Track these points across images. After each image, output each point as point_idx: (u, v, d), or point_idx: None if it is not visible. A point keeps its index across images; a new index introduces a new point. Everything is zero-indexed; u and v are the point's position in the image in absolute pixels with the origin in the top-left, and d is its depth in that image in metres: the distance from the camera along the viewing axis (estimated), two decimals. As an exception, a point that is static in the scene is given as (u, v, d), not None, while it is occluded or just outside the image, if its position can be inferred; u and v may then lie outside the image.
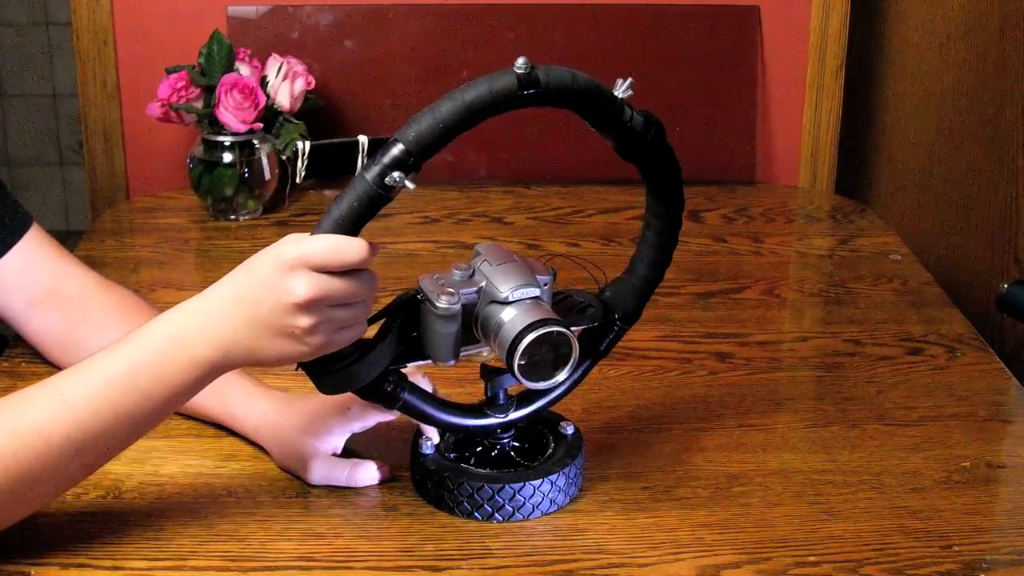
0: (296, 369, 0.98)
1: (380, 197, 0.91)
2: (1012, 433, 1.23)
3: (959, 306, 1.51)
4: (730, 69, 1.96)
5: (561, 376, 1.00)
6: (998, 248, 1.82)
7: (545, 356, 0.99)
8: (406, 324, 1.01)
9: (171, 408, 0.96)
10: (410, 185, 0.91)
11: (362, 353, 0.98)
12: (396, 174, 0.90)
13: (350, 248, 0.91)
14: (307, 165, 1.25)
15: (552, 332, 0.97)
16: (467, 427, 1.07)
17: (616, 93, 0.97)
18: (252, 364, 0.95)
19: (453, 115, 0.91)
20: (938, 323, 1.46)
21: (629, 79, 0.97)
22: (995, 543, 1.04)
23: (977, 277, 1.87)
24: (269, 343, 0.92)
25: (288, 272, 0.91)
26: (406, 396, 1.04)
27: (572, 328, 1.04)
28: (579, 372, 1.10)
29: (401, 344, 1.01)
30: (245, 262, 0.94)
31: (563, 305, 1.08)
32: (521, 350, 0.97)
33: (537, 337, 0.97)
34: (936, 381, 1.32)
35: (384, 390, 1.02)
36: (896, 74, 2.06)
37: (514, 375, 0.98)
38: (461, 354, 1.02)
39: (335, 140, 1.07)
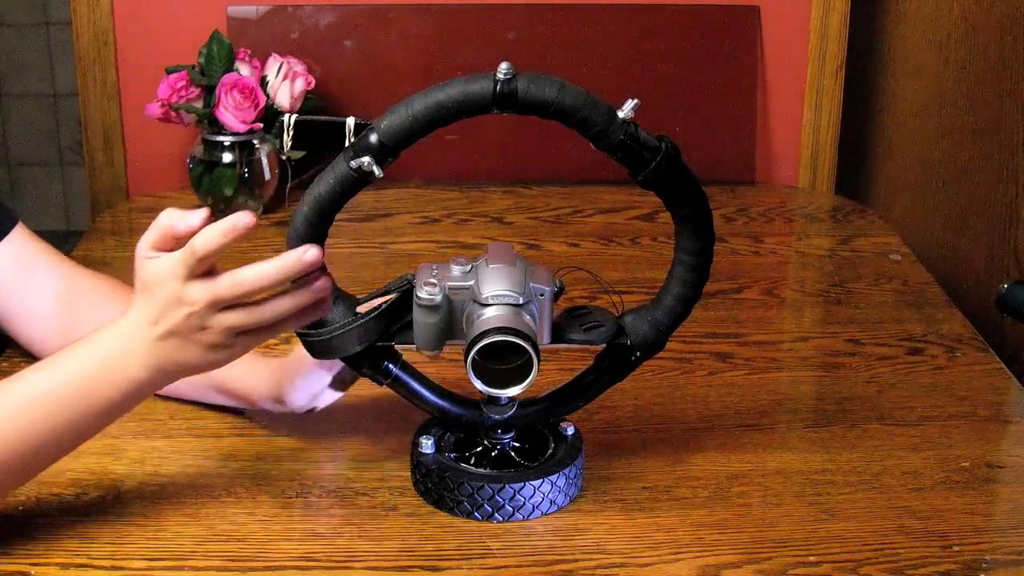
0: None
1: (356, 180, 0.95)
2: (1012, 433, 1.23)
3: (959, 306, 1.52)
4: (730, 69, 1.96)
5: (514, 390, 0.98)
6: (998, 248, 1.82)
7: (505, 365, 0.97)
8: (401, 304, 1.03)
9: (109, 420, 0.98)
10: (378, 173, 0.94)
11: (346, 325, 1.01)
12: (366, 160, 0.94)
13: (246, 283, 0.92)
14: (293, 138, 1.27)
15: (508, 342, 0.96)
16: (457, 415, 1.07)
17: (619, 113, 0.95)
18: (191, 374, 0.97)
19: (423, 112, 0.94)
20: (938, 323, 1.46)
21: (635, 100, 0.96)
22: (995, 543, 1.04)
23: (977, 277, 1.87)
24: (194, 354, 0.94)
25: (185, 283, 0.92)
26: (398, 372, 1.06)
27: (577, 344, 1.04)
28: (592, 392, 1.10)
29: (394, 322, 1.03)
30: (142, 284, 0.95)
31: (576, 320, 1.07)
32: (475, 351, 0.96)
33: (492, 344, 0.96)
34: (936, 381, 1.32)
35: (374, 363, 1.05)
36: (896, 74, 2.06)
37: (467, 373, 0.98)
38: (446, 346, 1.03)
39: (322, 118, 1.07)
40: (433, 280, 1.00)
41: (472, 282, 1.01)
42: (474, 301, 1.00)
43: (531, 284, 1.01)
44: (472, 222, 1.78)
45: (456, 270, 1.01)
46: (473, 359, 0.96)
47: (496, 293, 0.99)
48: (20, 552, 0.98)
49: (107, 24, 1.88)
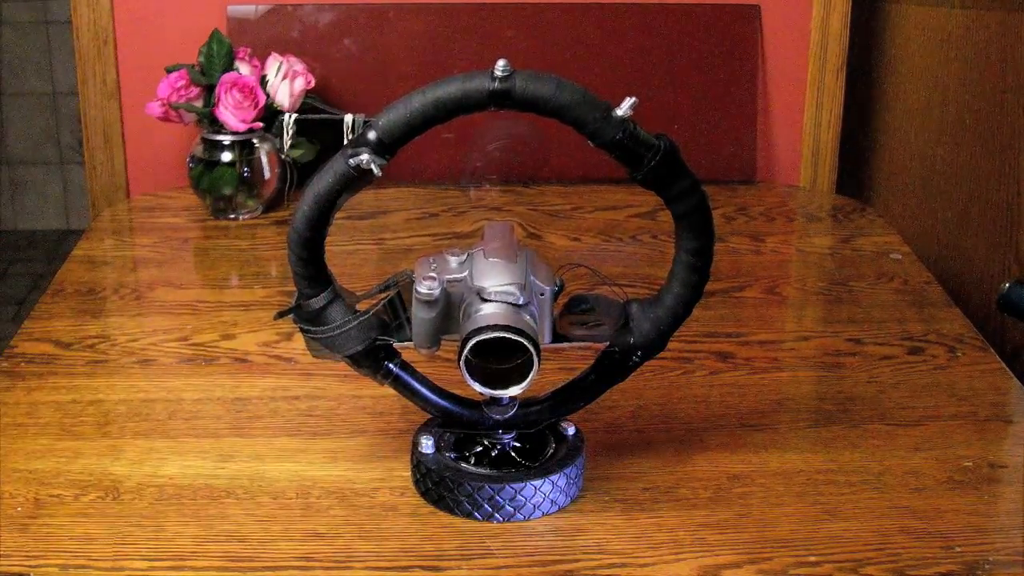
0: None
1: (354, 177, 0.95)
2: (1013, 433, 1.23)
3: (960, 306, 1.51)
4: (730, 69, 1.96)
5: (514, 390, 0.98)
6: (998, 248, 1.82)
7: (505, 364, 0.97)
8: (401, 301, 1.03)
9: None
10: (376, 171, 0.94)
11: (346, 323, 1.01)
12: (364, 157, 0.94)
13: None
14: (295, 134, 1.27)
15: (507, 339, 0.95)
16: (457, 415, 1.07)
17: (617, 112, 0.95)
18: None
19: (422, 109, 0.94)
20: (939, 323, 1.46)
21: (633, 99, 0.95)
22: (997, 543, 1.04)
23: (977, 277, 1.87)
24: None
25: None
26: (398, 371, 1.06)
27: (578, 341, 1.04)
28: (593, 393, 1.09)
29: (394, 320, 1.03)
30: None
31: (580, 316, 1.07)
32: (468, 348, 0.95)
33: (491, 341, 0.95)
34: (937, 381, 1.31)
35: (374, 362, 1.05)
36: (896, 74, 2.06)
37: (460, 370, 0.97)
38: (444, 342, 1.02)
39: (322, 116, 1.06)
40: (432, 274, 1.00)
41: (466, 272, 1.00)
42: (476, 294, 0.99)
43: (532, 281, 1.01)
44: (470, 213, 1.78)
45: (452, 261, 1.01)
46: (466, 358, 0.96)
47: (497, 288, 0.99)
48: (20, 552, 0.98)
49: (107, 23, 1.88)
